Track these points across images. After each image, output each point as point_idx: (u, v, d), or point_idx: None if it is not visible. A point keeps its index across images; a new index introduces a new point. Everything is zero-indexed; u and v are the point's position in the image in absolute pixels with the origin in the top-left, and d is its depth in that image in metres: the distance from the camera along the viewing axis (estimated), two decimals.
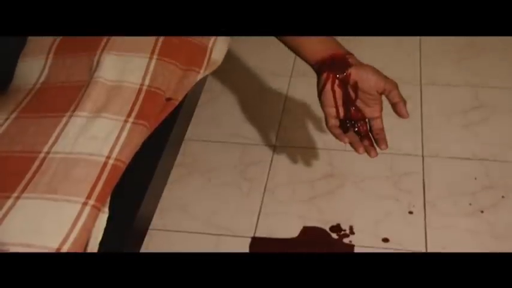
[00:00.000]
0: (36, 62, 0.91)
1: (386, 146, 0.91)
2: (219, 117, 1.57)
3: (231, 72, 1.70)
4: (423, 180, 1.35)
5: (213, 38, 1.00)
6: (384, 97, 0.90)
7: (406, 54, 1.73)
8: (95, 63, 0.89)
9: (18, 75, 0.90)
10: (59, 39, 0.94)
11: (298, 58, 0.96)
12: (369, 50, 1.68)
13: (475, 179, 1.35)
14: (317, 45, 0.93)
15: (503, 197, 1.30)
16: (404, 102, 0.89)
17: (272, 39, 1.01)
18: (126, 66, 0.89)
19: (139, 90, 0.87)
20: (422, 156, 1.41)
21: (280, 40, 0.99)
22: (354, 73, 0.89)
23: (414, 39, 1.79)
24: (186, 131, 1.13)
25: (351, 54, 0.93)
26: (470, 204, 1.29)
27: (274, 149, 1.47)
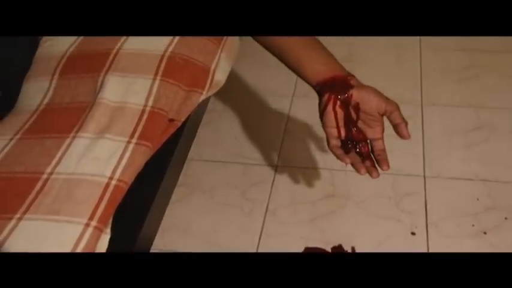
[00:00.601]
0: (41, 83, 0.92)
1: (388, 166, 0.91)
2: (221, 137, 1.57)
3: (233, 92, 1.70)
4: (425, 201, 1.35)
5: (216, 60, 1.01)
6: (385, 118, 0.91)
7: (407, 75, 1.74)
8: (99, 84, 0.90)
9: (23, 96, 0.91)
10: (64, 60, 0.95)
11: (299, 78, 0.97)
12: (370, 70, 1.70)
13: (478, 199, 1.34)
14: (319, 67, 0.94)
15: (506, 218, 1.30)
16: (406, 123, 0.89)
17: (274, 60, 1.01)
18: (130, 87, 0.89)
19: (143, 111, 0.87)
20: (424, 177, 1.41)
21: (282, 61, 1.00)
22: (356, 94, 0.90)
23: (415, 60, 1.80)
24: (189, 151, 1.13)
25: (353, 75, 0.93)
26: (473, 225, 1.29)
27: (276, 169, 1.47)
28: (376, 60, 1.80)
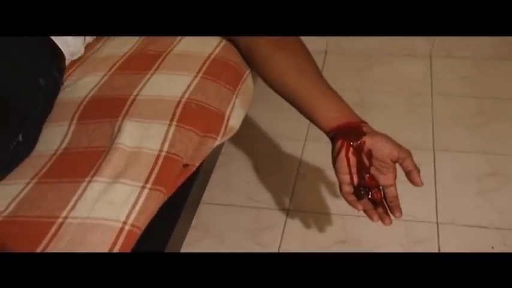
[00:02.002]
0: (60, 128, 0.94)
1: (401, 213, 0.92)
2: (233, 180, 1.58)
3: (246, 135, 1.72)
4: (438, 247, 1.34)
5: (231, 106, 1.02)
6: (397, 164, 0.92)
7: (418, 120, 1.75)
8: (116, 129, 0.91)
9: (42, 140, 0.92)
10: (82, 106, 0.97)
11: (312, 123, 0.98)
12: (381, 116, 1.71)
13: (492, 248, 1.33)
14: (332, 113, 0.95)
15: None
16: (418, 170, 0.90)
17: (286, 104, 1.03)
18: (146, 132, 0.91)
19: (158, 156, 0.88)
20: (437, 224, 1.41)
21: (295, 106, 1.01)
22: (368, 141, 0.91)
23: (426, 105, 1.81)
24: (202, 195, 1.14)
25: (365, 122, 0.95)
26: None
27: (288, 213, 1.47)
28: (387, 106, 1.82)
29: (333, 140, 0.94)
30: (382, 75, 1.98)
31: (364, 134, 0.91)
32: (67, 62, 1.04)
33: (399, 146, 0.91)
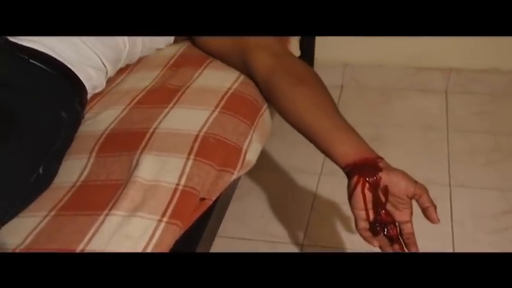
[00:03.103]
0: (79, 160, 0.95)
1: (417, 250, 0.91)
2: (247, 214, 1.58)
3: (261, 169, 1.72)
4: None
5: (248, 140, 1.03)
6: (414, 200, 0.92)
7: (434, 155, 1.75)
8: (134, 162, 0.92)
9: (61, 172, 0.94)
10: (102, 139, 0.98)
11: (327, 157, 0.99)
12: (396, 150, 1.71)
13: None
14: (348, 148, 0.96)
15: None
16: (435, 207, 0.90)
17: (301, 138, 1.04)
18: (164, 166, 0.92)
19: (175, 190, 0.89)
20: None
21: (311, 140, 1.02)
22: (385, 177, 0.91)
23: (442, 141, 1.81)
24: (218, 228, 1.14)
25: (382, 158, 0.95)
26: None
27: (302, 248, 1.46)
28: (403, 141, 1.82)
29: (349, 176, 0.94)
30: (397, 110, 1.99)
31: (381, 169, 0.92)
32: (89, 96, 1.06)
33: (415, 182, 0.91)
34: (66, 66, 0.98)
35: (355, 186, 0.92)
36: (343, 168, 0.96)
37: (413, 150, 1.78)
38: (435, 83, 2.07)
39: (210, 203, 0.94)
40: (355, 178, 0.92)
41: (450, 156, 1.74)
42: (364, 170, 0.93)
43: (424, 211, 0.90)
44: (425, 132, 1.86)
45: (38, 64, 0.95)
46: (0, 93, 0.88)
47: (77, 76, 1.00)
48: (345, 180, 0.95)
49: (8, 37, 0.95)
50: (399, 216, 0.92)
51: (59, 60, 0.98)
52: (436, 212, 0.90)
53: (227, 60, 1.19)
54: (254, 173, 1.71)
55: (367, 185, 0.92)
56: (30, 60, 0.94)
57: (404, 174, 0.92)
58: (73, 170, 0.94)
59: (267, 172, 1.73)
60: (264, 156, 1.78)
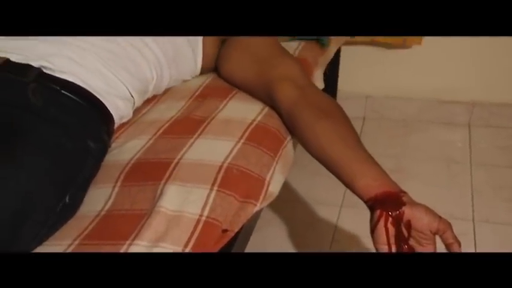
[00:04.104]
0: (104, 190, 0.96)
1: None
2: (267, 245, 1.57)
3: (281, 199, 1.71)
4: None
5: (271, 172, 1.04)
6: (437, 236, 0.91)
7: (457, 190, 1.73)
8: (158, 192, 0.93)
9: (86, 201, 0.95)
10: (127, 168, 0.99)
11: (349, 189, 0.99)
12: (418, 183, 1.70)
13: None
14: (370, 182, 0.96)
15: None
16: (459, 243, 0.89)
17: (323, 169, 1.04)
18: (188, 196, 0.92)
19: (198, 220, 0.89)
20: None
21: (333, 172, 1.02)
22: (408, 212, 0.91)
23: (465, 174, 1.79)
24: None
25: (405, 192, 0.95)
26: None
27: None
28: (425, 174, 1.80)
29: (372, 209, 0.94)
30: (420, 143, 1.98)
31: (404, 204, 0.91)
32: (115, 125, 1.08)
33: (439, 218, 0.91)
34: (95, 96, 1.00)
35: (378, 220, 0.92)
36: (365, 202, 0.96)
37: (436, 183, 1.76)
38: (458, 116, 2.06)
39: (232, 234, 0.94)
40: (378, 212, 0.92)
41: (474, 191, 1.72)
42: (387, 204, 0.92)
43: (448, 247, 0.90)
44: (448, 165, 1.85)
45: (69, 94, 0.97)
46: (31, 122, 0.90)
47: (105, 106, 1.02)
48: (366, 213, 0.95)
49: (42, 68, 0.98)
50: (422, 251, 0.92)
51: (88, 91, 1.00)
52: (460, 248, 0.89)
53: (251, 92, 1.20)
54: (274, 204, 1.70)
55: (390, 219, 0.91)
56: (62, 91, 0.97)
57: (427, 209, 0.92)
58: (98, 199, 0.95)
59: (288, 203, 1.72)
60: (284, 186, 1.76)
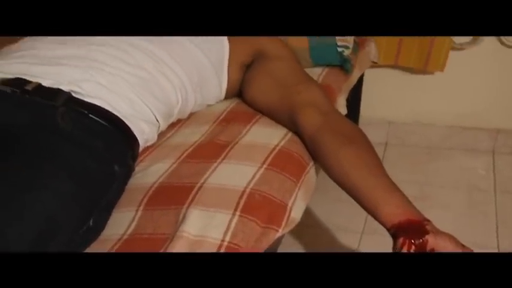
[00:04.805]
0: (127, 213, 0.97)
1: None
2: None
3: (301, 225, 1.70)
4: None
5: (293, 197, 1.04)
6: None
7: (481, 218, 1.71)
8: (181, 217, 0.94)
9: (110, 225, 0.96)
10: (150, 192, 1.00)
11: (369, 215, 0.98)
12: (441, 211, 1.68)
13: None
14: (393, 209, 0.96)
15: None
16: None
17: (345, 195, 1.04)
18: (210, 221, 0.92)
19: (220, 246, 0.89)
20: None
21: (355, 199, 1.02)
22: (431, 240, 0.90)
23: (489, 202, 1.77)
24: None
25: (428, 220, 0.94)
26: None
27: None
28: (448, 201, 1.78)
29: (395, 237, 0.93)
30: (443, 170, 1.96)
31: (427, 232, 0.91)
32: (140, 149, 1.09)
33: (463, 246, 0.90)
34: (122, 120, 1.02)
35: (401, 249, 0.91)
36: (388, 229, 0.95)
37: (459, 211, 1.74)
38: (481, 143, 2.04)
39: None
40: (401, 240, 0.91)
41: (498, 219, 1.69)
42: (410, 232, 0.92)
43: None
44: (472, 193, 1.82)
45: (96, 118, 0.99)
46: (59, 145, 0.92)
47: (131, 130, 1.03)
48: (387, 240, 0.94)
49: (72, 93, 1.00)
50: None
51: (115, 115, 1.01)
52: None
53: (275, 117, 1.21)
54: (296, 229, 1.69)
55: (413, 247, 0.91)
56: (90, 115, 0.98)
57: (451, 237, 0.91)
58: (121, 222, 0.96)
59: (309, 229, 1.71)
60: (306, 212, 1.76)
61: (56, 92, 0.99)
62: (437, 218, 0.97)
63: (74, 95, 1.00)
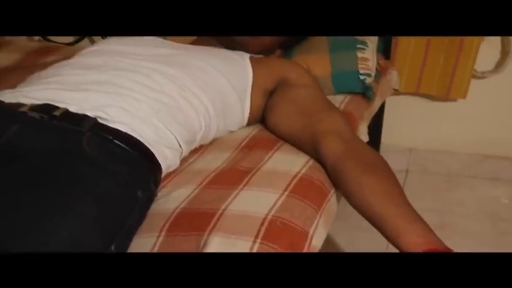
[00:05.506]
0: (149, 239, 0.97)
1: None
2: None
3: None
4: None
5: (314, 225, 1.03)
6: None
7: (505, 249, 1.68)
8: (202, 243, 0.93)
9: (131, 250, 0.95)
10: (172, 218, 1.00)
11: (390, 244, 0.98)
12: (464, 241, 1.65)
13: None
14: (415, 238, 0.95)
15: None
16: None
17: (366, 223, 1.03)
18: (231, 248, 0.92)
19: None
20: None
21: (376, 227, 1.02)
22: None
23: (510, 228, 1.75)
24: None
25: (450, 250, 0.93)
26: None
27: None
28: (470, 231, 1.76)
29: None
30: (464, 198, 1.94)
31: None
32: (162, 175, 1.09)
33: None
34: (145, 146, 1.03)
35: None
36: None
37: (482, 241, 1.71)
38: (503, 171, 2.02)
39: None
40: None
41: None
42: None
43: None
44: (494, 222, 1.80)
45: (120, 144, 0.99)
46: (83, 170, 0.93)
47: (154, 156, 1.04)
48: None
49: (97, 118, 1.01)
50: None
51: (139, 140, 1.02)
52: None
53: (297, 143, 1.21)
54: None
55: None
56: (114, 140, 0.99)
57: None
58: (142, 248, 0.96)
59: None
60: (326, 240, 1.75)
61: (82, 118, 1.00)
62: (459, 247, 0.95)
63: (99, 120, 1.01)
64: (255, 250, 0.93)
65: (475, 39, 1.77)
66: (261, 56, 1.41)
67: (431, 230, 0.97)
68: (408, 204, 1.02)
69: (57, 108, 1.01)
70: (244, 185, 1.08)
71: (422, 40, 1.82)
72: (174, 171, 1.15)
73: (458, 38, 1.78)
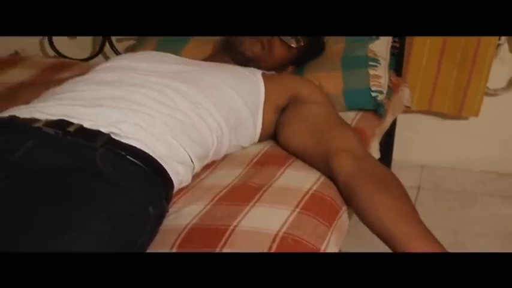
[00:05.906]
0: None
1: None
2: None
3: None
4: None
5: (326, 241, 1.03)
6: None
7: None
8: None
9: None
10: (183, 234, 1.00)
11: None
12: None
13: None
14: None
15: None
16: None
17: (376, 241, 1.03)
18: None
19: None
20: None
21: (389, 245, 1.02)
22: None
23: None
24: None
25: None
26: None
27: None
28: (483, 249, 1.74)
29: None
30: (477, 216, 1.92)
31: None
32: (174, 190, 1.10)
33: None
34: (158, 162, 1.03)
35: None
36: None
37: None
38: None
39: None
40: None
41: None
42: None
43: None
44: (508, 241, 1.78)
45: (134, 160, 1.00)
46: (96, 186, 0.93)
47: (166, 172, 1.04)
48: None
49: (111, 134, 1.02)
50: None
51: (152, 156, 1.02)
52: None
53: (309, 160, 1.21)
54: None
55: None
56: (127, 156, 1.00)
57: None
58: None
59: None
60: None
61: (96, 134, 1.01)
62: None
63: (113, 136, 1.02)
64: None
65: (487, 56, 1.76)
66: (273, 72, 1.42)
67: (444, 249, 0.97)
68: (421, 223, 1.02)
69: (71, 124, 1.02)
70: (256, 202, 1.08)
71: (434, 57, 1.82)
72: (186, 187, 1.16)
73: (471, 55, 1.77)
